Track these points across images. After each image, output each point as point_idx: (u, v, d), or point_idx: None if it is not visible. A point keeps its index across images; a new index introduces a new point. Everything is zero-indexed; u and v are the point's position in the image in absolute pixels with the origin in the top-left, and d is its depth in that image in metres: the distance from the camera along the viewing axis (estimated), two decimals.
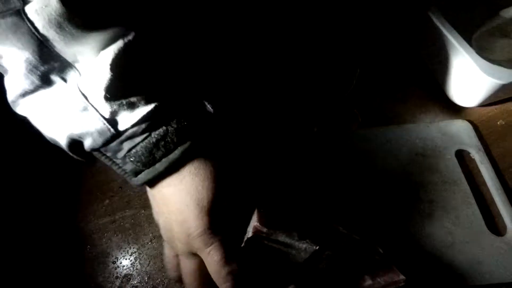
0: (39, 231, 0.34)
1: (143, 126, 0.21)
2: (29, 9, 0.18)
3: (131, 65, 0.21)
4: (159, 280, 0.31)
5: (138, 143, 0.21)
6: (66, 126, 0.21)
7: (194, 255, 0.23)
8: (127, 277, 0.31)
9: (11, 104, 0.22)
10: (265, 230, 0.25)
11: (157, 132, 0.21)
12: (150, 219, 0.34)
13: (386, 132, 0.39)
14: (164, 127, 0.22)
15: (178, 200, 0.22)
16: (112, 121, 0.21)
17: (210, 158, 0.23)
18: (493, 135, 0.39)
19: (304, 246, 0.25)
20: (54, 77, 0.20)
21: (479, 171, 0.36)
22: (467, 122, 0.39)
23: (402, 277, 0.27)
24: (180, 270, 0.25)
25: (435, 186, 0.35)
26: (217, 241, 0.22)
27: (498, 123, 0.40)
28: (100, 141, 0.21)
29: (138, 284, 0.31)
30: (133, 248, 0.32)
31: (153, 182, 0.23)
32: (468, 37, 0.43)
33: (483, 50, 0.42)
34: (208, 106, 0.24)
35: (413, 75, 0.44)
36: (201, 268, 0.23)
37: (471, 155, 0.37)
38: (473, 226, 0.33)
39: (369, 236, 0.28)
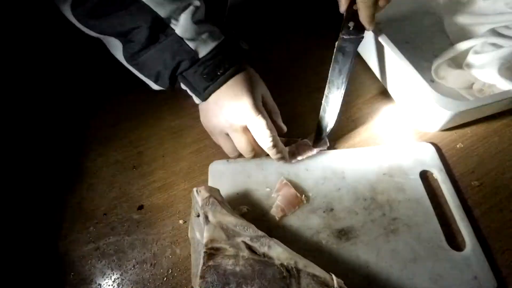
0: (22, 257, 0.36)
1: (211, 54, 0.36)
2: None
3: (200, 17, 0.36)
4: None
5: (208, 65, 0.36)
6: (169, 59, 0.35)
7: (244, 130, 0.37)
8: None
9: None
10: None
11: (218, 57, 0.36)
12: (133, 245, 0.37)
13: (356, 153, 0.43)
14: (222, 55, 0.36)
15: (234, 93, 0.36)
16: (195, 51, 0.35)
17: (246, 72, 0.38)
18: (453, 157, 0.44)
19: None
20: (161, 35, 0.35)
21: (441, 190, 0.41)
22: (431, 145, 0.44)
23: None
24: (235, 149, 0.39)
25: (400, 204, 0.39)
26: (263, 112, 0.37)
27: (458, 146, 0.45)
28: (188, 64, 0.35)
29: None
30: (116, 274, 0.35)
31: (213, 91, 0.37)
32: (429, 67, 0.49)
33: (441, 79, 0.48)
34: (243, 43, 0.45)
35: (381, 104, 0.49)
36: (251, 138, 0.38)
37: (434, 175, 0.42)
38: (434, 242, 0.37)
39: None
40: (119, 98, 0.48)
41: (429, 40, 0.53)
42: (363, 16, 0.39)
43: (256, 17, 0.57)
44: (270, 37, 0.57)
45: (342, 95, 0.42)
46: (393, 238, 0.37)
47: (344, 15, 0.41)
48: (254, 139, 0.38)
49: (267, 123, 0.37)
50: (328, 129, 0.43)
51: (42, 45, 0.49)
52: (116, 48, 0.37)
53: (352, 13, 0.40)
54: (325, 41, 0.44)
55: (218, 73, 0.36)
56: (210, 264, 0.29)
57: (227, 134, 0.39)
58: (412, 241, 0.37)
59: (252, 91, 0.37)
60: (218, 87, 0.37)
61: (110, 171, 0.42)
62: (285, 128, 0.41)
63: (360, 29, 0.40)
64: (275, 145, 0.38)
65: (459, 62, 0.46)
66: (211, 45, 0.36)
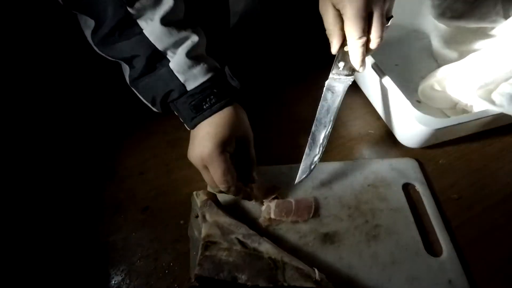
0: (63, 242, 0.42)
1: (199, 88, 0.40)
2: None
3: (197, 52, 0.41)
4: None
5: (196, 98, 0.40)
6: (161, 88, 0.40)
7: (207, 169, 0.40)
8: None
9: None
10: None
11: (206, 92, 0.40)
12: (138, 242, 0.43)
13: (344, 165, 0.49)
14: (210, 90, 0.41)
15: (208, 131, 0.40)
16: (183, 84, 0.40)
17: (233, 109, 0.42)
18: (435, 172, 0.49)
19: None
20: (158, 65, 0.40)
21: (421, 201, 0.46)
22: (414, 160, 0.50)
23: None
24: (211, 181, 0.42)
25: (382, 212, 0.44)
26: (221, 158, 0.39)
27: (440, 162, 0.50)
28: (177, 94, 0.40)
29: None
30: (124, 265, 0.41)
31: (199, 122, 0.41)
32: (416, 88, 0.55)
33: (427, 100, 0.54)
34: (235, 81, 0.52)
35: (369, 121, 0.55)
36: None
37: (416, 188, 0.47)
38: (412, 247, 0.42)
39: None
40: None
41: (417, 63, 0.60)
42: (354, 58, 0.42)
43: (256, 45, 0.64)
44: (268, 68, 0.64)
45: (329, 134, 0.44)
46: (374, 243, 0.42)
47: (336, 56, 0.44)
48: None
49: (222, 170, 0.39)
50: (312, 166, 0.44)
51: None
52: (124, 71, 0.43)
53: (343, 54, 0.43)
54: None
55: (204, 106, 0.41)
56: (206, 254, 0.34)
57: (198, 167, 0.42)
58: (392, 246, 0.42)
59: (224, 133, 0.40)
60: (204, 119, 0.41)
61: (119, 177, 0.49)
62: (256, 178, 0.44)
63: (350, 70, 0.44)
64: (228, 190, 0.41)
65: (443, 84, 0.53)
66: (200, 80, 0.40)
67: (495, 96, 0.47)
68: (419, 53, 0.62)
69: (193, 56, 0.40)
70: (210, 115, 0.41)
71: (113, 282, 0.40)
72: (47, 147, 0.53)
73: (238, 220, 0.40)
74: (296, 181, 0.44)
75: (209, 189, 0.44)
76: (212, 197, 0.42)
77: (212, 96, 0.41)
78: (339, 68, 0.44)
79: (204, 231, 0.37)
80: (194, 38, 0.40)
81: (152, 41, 0.38)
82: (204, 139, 0.40)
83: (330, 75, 0.45)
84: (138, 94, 0.44)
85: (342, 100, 0.44)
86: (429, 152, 0.51)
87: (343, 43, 0.42)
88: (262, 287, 0.33)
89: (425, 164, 0.50)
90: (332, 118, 0.44)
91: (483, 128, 0.52)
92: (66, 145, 0.53)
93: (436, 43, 0.60)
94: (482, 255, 0.42)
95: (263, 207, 0.44)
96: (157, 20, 0.38)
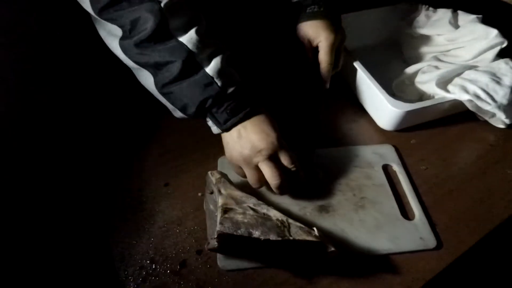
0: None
1: (234, 92, 0.45)
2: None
3: (228, 62, 0.46)
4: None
5: (231, 102, 0.45)
6: (198, 94, 0.44)
7: (271, 160, 0.47)
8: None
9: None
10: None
11: (241, 96, 0.46)
12: (163, 211, 0.52)
13: (336, 151, 0.60)
14: (244, 94, 0.46)
15: (261, 129, 0.47)
16: (222, 88, 0.44)
17: (264, 113, 0.48)
18: (408, 150, 0.62)
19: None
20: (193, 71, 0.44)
21: (397, 177, 0.57)
22: (391, 146, 0.61)
23: (332, 249, 0.45)
24: (260, 179, 0.48)
25: (367, 187, 0.55)
26: (285, 147, 0.48)
27: (411, 142, 0.63)
28: (215, 99, 0.44)
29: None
30: (152, 229, 0.49)
31: (232, 125, 0.47)
32: (391, 85, 0.68)
33: (400, 92, 0.67)
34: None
35: (354, 113, 0.67)
36: (279, 168, 0.47)
37: (393, 167, 0.59)
38: (392, 214, 0.52)
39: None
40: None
41: (391, 65, 0.74)
42: (325, 77, 0.59)
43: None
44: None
45: None
46: (361, 211, 0.52)
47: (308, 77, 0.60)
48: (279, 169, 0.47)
49: (291, 153, 0.48)
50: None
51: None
52: (146, 79, 0.46)
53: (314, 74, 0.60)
54: None
55: (241, 109, 0.46)
56: (226, 216, 0.43)
57: (254, 166, 0.47)
58: (376, 213, 0.52)
59: (276, 127, 0.48)
60: (239, 122, 0.46)
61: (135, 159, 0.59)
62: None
63: (320, 85, 0.60)
64: (297, 173, 0.49)
65: (412, 80, 0.66)
66: (235, 86, 0.45)
67: (449, 87, 0.61)
68: (393, 57, 0.76)
69: (226, 65, 0.45)
70: (247, 118, 0.46)
71: (143, 244, 0.49)
72: (76, 134, 0.61)
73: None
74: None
75: (254, 185, 0.50)
76: (224, 176, 0.51)
77: (247, 100, 0.46)
78: None
79: (221, 201, 0.46)
80: (226, 49, 0.46)
81: (190, 48, 0.42)
82: (261, 134, 0.46)
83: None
84: (164, 100, 0.47)
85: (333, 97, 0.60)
86: (403, 135, 0.64)
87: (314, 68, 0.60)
88: (273, 240, 0.42)
89: (400, 144, 0.62)
90: None
91: (444, 114, 0.65)
92: (95, 131, 0.62)
93: (406, 48, 0.75)
94: (445, 210, 0.54)
95: None
96: (193, 31, 0.43)
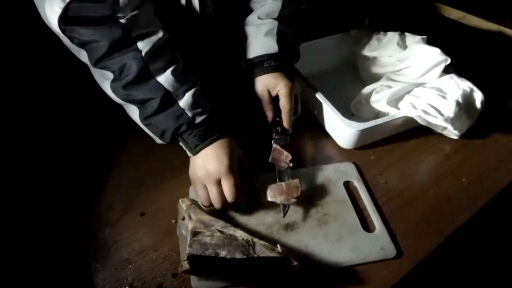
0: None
1: (203, 122, 0.56)
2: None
3: (200, 95, 0.57)
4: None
5: (200, 130, 0.56)
6: (173, 123, 0.55)
7: (218, 184, 0.55)
8: None
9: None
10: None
11: (208, 125, 0.56)
12: (140, 238, 0.58)
13: (301, 172, 0.67)
14: (210, 123, 0.57)
15: (217, 154, 0.56)
16: (192, 119, 0.55)
17: (228, 138, 0.58)
18: (367, 165, 0.69)
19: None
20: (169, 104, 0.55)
21: (358, 192, 0.64)
22: (351, 163, 0.69)
23: (296, 263, 0.51)
24: (208, 199, 0.57)
25: (329, 204, 0.62)
26: (234, 173, 0.56)
27: (371, 158, 0.71)
28: (186, 127, 0.55)
29: None
30: (131, 256, 0.55)
31: (200, 150, 0.56)
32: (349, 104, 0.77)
33: (358, 112, 0.75)
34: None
35: (315, 135, 0.76)
36: (222, 191, 0.56)
37: (354, 183, 0.66)
38: (353, 227, 0.59)
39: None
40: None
41: (351, 86, 0.83)
42: (286, 123, 0.67)
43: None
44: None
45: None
46: (324, 227, 0.59)
47: (272, 124, 0.68)
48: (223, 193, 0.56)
49: (235, 182, 0.55)
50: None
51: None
52: (133, 112, 0.57)
53: (276, 122, 0.68)
54: None
55: (208, 136, 0.56)
56: (194, 239, 0.49)
57: (205, 186, 0.57)
58: (338, 227, 0.59)
59: (231, 154, 0.57)
60: (206, 146, 0.56)
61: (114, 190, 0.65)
62: (258, 185, 0.61)
63: (284, 130, 0.67)
64: (236, 201, 0.56)
65: (368, 99, 0.74)
66: (204, 116, 0.56)
67: (400, 104, 0.69)
68: (352, 79, 0.86)
69: (197, 98, 0.56)
70: (211, 143, 0.56)
71: (123, 272, 0.54)
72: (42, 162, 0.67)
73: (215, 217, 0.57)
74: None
75: (202, 205, 0.58)
76: (194, 203, 0.58)
77: (213, 128, 0.57)
78: (278, 131, 0.68)
79: (191, 225, 0.52)
80: (198, 84, 0.57)
81: (166, 87, 0.54)
82: (215, 159, 0.55)
83: (274, 136, 0.67)
84: (146, 130, 0.57)
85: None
86: (363, 152, 0.72)
87: (275, 114, 0.68)
88: (239, 258, 0.49)
89: (360, 161, 0.70)
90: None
91: (400, 129, 0.73)
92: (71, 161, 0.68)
93: (363, 70, 0.84)
94: (403, 220, 0.61)
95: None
96: (169, 72, 0.54)
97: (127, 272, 0.55)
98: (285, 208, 0.60)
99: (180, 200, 0.58)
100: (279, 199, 0.59)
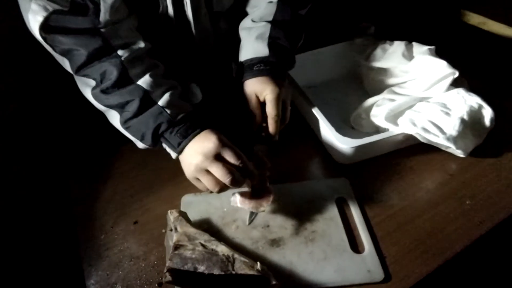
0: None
1: (183, 119, 0.56)
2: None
3: (178, 95, 0.58)
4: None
5: (181, 127, 0.56)
6: (152, 122, 0.55)
7: (219, 160, 0.54)
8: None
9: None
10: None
11: (188, 121, 0.56)
12: (130, 247, 0.61)
13: (290, 186, 0.67)
14: (191, 120, 0.57)
15: (202, 142, 0.55)
16: (172, 116, 0.55)
17: (209, 131, 0.57)
18: (361, 182, 0.68)
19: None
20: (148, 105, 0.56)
21: (350, 210, 0.64)
22: (345, 179, 0.68)
23: (274, 282, 0.52)
24: (217, 182, 0.55)
25: (318, 221, 0.62)
26: (227, 145, 0.55)
27: (367, 174, 0.69)
28: (166, 126, 0.55)
29: None
30: (122, 263, 0.59)
31: (185, 146, 0.56)
32: (348, 117, 0.76)
33: (358, 126, 0.74)
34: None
35: (310, 147, 0.75)
36: (227, 165, 0.54)
37: (346, 200, 0.65)
38: (341, 247, 0.59)
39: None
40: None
41: (354, 97, 0.81)
42: (272, 130, 0.63)
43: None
44: None
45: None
46: (311, 244, 0.59)
47: (257, 129, 0.65)
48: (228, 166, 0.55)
49: (235, 149, 0.55)
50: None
51: None
52: (113, 117, 0.57)
53: (262, 127, 0.65)
54: None
55: (189, 132, 0.56)
56: (176, 252, 0.52)
57: (206, 173, 0.55)
58: (325, 246, 0.59)
59: (219, 133, 0.56)
60: (189, 142, 0.55)
61: (109, 198, 0.68)
62: (260, 153, 0.61)
63: (269, 137, 0.64)
64: (244, 167, 0.55)
65: (368, 113, 0.73)
66: (183, 113, 0.57)
67: (399, 120, 0.67)
68: (355, 89, 0.85)
69: (176, 98, 0.57)
70: (193, 138, 0.56)
71: (112, 277, 0.58)
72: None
73: (202, 231, 0.58)
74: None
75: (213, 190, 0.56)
76: (182, 214, 0.60)
77: (193, 124, 0.57)
78: (261, 138, 0.66)
79: (175, 238, 0.55)
80: (178, 87, 0.59)
81: (145, 88, 0.55)
82: (205, 142, 0.55)
83: (255, 143, 0.65)
84: (127, 134, 0.58)
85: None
86: (360, 168, 0.71)
87: (261, 122, 0.65)
88: (216, 274, 0.50)
89: (356, 177, 0.69)
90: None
91: (400, 146, 0.71)
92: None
93: (366, 80, 0.83)
94: (396, 242, 0.60)
95: (231, 198, 0.62)
96: (148, 75, 0.56)
97: (117, 277, 0.58)
98: (252, 215, 0.61)
99: (169, 211, 0.60)
100: (247, 206, 0.60)
